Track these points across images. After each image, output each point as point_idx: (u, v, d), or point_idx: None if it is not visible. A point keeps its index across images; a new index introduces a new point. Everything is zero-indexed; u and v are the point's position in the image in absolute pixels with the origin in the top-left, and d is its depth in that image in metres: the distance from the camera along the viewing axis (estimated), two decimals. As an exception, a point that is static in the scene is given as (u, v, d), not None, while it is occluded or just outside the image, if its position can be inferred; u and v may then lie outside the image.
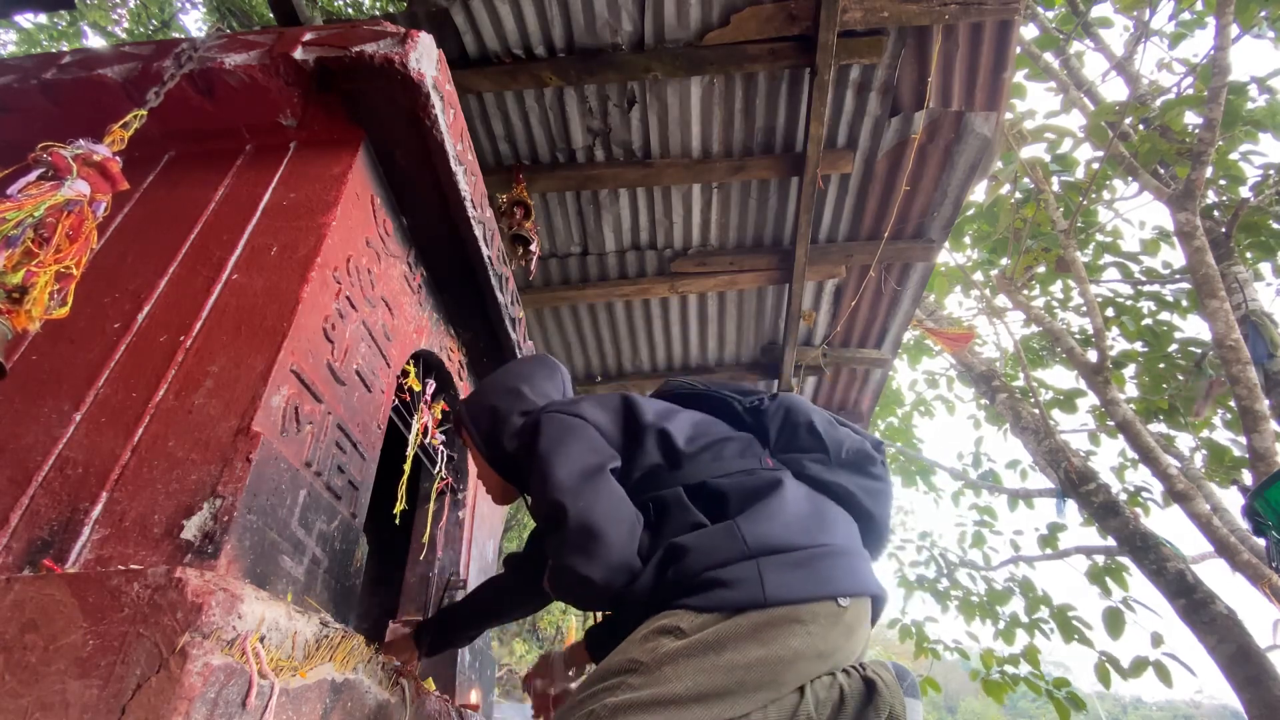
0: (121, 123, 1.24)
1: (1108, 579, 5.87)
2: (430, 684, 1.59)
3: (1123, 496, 6.15)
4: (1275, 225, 5.34)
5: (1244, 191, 5.40)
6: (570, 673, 1.36)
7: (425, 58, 1.50)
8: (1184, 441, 6.42)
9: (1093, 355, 5.48)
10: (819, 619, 0.97)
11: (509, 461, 1.30)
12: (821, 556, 1.02)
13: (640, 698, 0.89)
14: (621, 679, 0.93)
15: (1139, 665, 5.19)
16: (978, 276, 7.17)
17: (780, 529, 1.04)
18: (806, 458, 1.19)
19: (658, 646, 0.94)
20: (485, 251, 1.95)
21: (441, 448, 2.24)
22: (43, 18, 7.92)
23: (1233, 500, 5.41)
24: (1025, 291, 6.42)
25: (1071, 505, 5.67)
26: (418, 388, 1.99)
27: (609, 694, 0.92)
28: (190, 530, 1.00)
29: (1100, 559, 6.11)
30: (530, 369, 1.42)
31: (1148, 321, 6.16)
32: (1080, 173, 6.13)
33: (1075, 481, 5.27)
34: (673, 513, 1.11)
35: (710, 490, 1.12)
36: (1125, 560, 5.63)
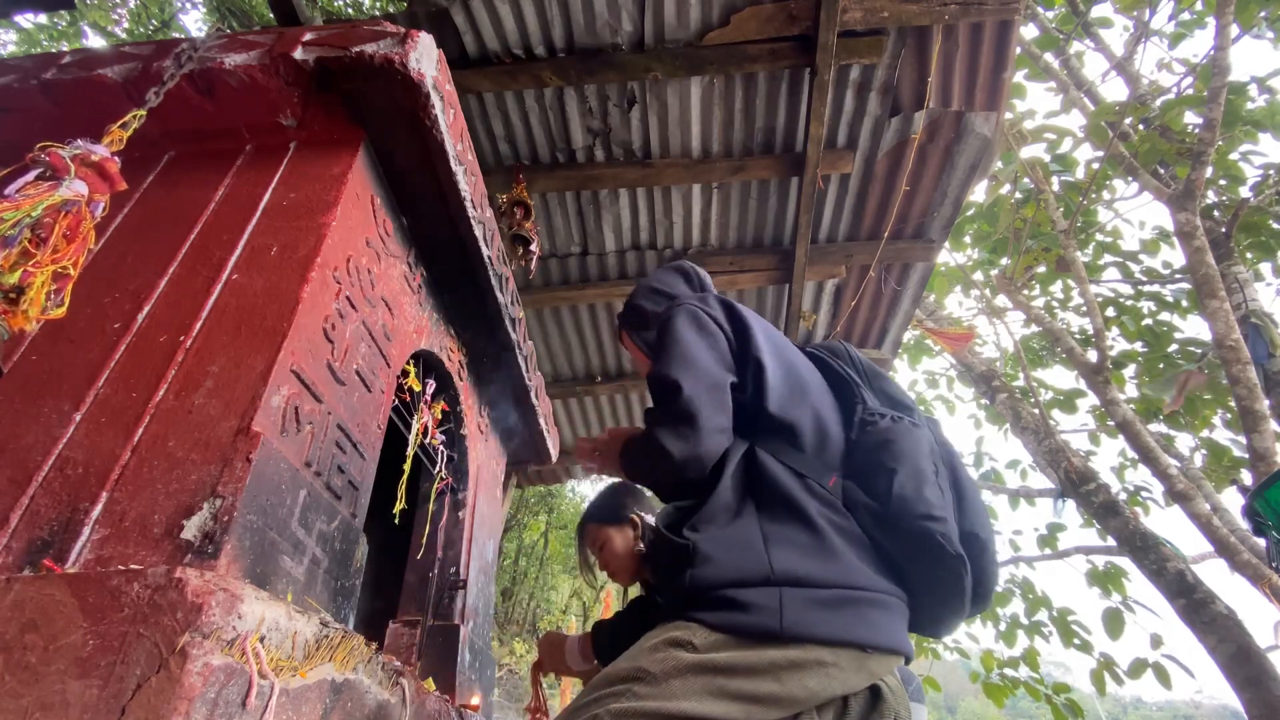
0: (121, 123, 1.24)
1: (1108, 584, 5.87)
2: (430, 684, 1.59)
3: (1123, 496, 6.15)
4: (1275, 225, 5.34)
5: (1244, 191, 5.40)
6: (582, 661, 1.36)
7: (425, 58, 1.50)
8: (1184, 441, 6.42)
9: (1093, 355, 5.49)
10: (841, 664, 0.92)
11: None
12: (853, 600, 0.95)
13: (644, 708, 0.87)
14: (627, 686, 0.91)
15: (1139, 667, 5.19)
16: (978, 276, 7.17)
17: (813, 560, 0.97)
18: (863, 501, 1.05)
19: (667, 658, 0.92)
20: (485, 251, 1.95)
21: (441, 448, 2.24)
22: (43, 18, 7.93)
23: (1233, 500, 5.42)
24: (1025, 291, 6.42)
25: (1070, 505, 5.66)
26: (418, 388, 1.99)
27: (613, 699, 0.90)
28: (190, 530, 1.00)
29: (1100, 562, 6.11)
30: (664, 271, 1.48)
31: (1148, 321, 6.16)
32: (1080, 173, 6.14)
33: (1075, 481, 5.27)
34: (720, 463, 1.07)
35: (758, 469, 1.06)
36: (1124, 564, 5.63)
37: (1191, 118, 5.33)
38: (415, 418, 1.98)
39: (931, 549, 0.99)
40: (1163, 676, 5.10)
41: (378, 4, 6.73)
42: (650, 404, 1.15)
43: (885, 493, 1.03)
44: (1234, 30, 4.70)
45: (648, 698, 0.88)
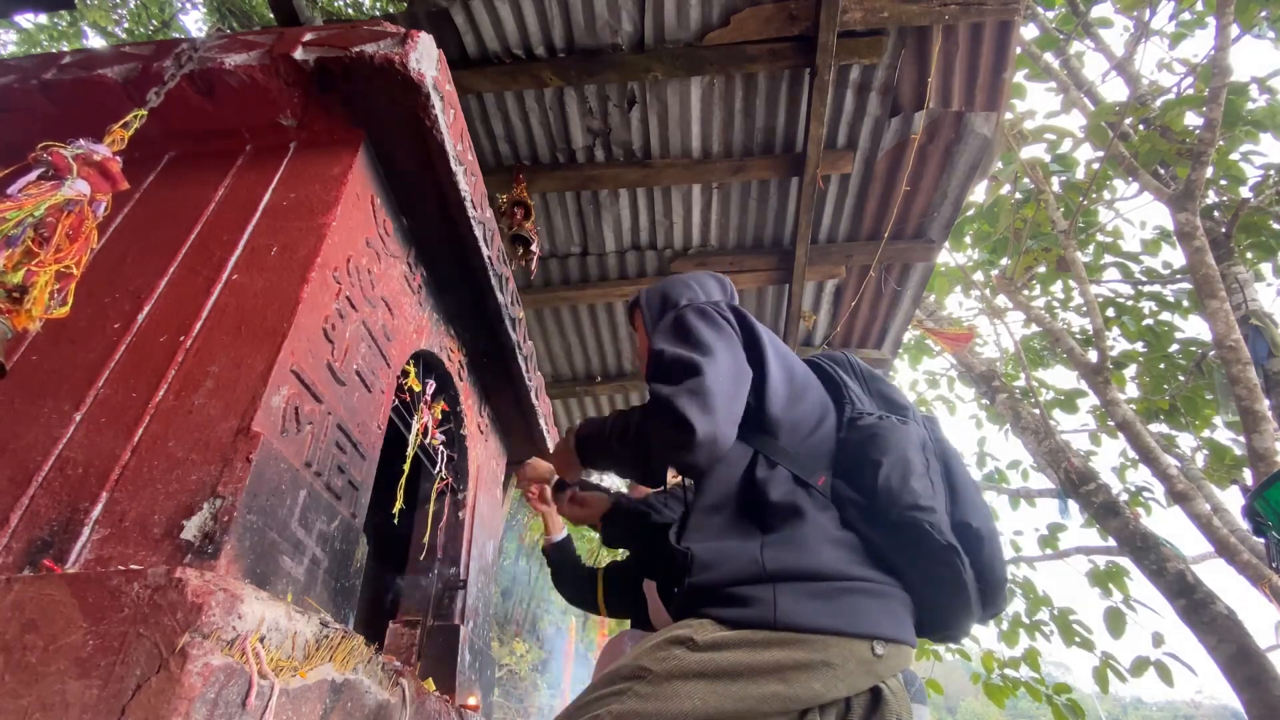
0: (122, 123, 1.24)
1: (1109, 582, 5.86)
2: (430, 684, 1.59)
3: (1123, 497, 6.14)
4: (1275, 225, 5.34)
5: (1244, 191, 5.39)
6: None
7: (425, 58, 1.50)
8: (1185, 441, 6.42)
9: (1093, 355, 5.48)
10: (848, 664, 0.91)
11: None
12: (848, 591, 0.95)
13: (644, 709, 0.87)
14: (629, 685, 0.91)
15: (1140, 665, 5.18)
16: (978, 276, 7.17)
17: (806, 556, 0.97)
18: (850, 498, 1.04)
19: (669, 657, 0.92)
20: (485, 251, 1.95)
21: (441, 448, 2.24)
22: (43, 18, 7.93)
23: (1233, 500, 5.41)
24: (1025, 291, 6.42)
25: (1074, 506, 5.66)
26: (418, 388, 1.99)
27: (614, 699, 0.90)
28: (190, 530, 1.00)
29: (1101, 561, 6.11)
30: (701, 275, 1.42)
31: (1148, 322, 6.15)
32: (1080, 173, 6.13)
33: (1076, 482, 5.27)
34: (729, 462, 1.07)
35: (750, 468, 1.06)
36: (1125, 564, 5.63)
37: (1192, 118, 5.33)
38: (415, 418, 1.98)
39: (920, 539, 0.97)
40: (1165, 674, 5.09)
41: (378, 4, 6.73)
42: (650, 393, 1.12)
43: (871, 485, 1.02)
44: (1234, 30, 4.70)
45: (649, 698, 0.88)
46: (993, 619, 1.14)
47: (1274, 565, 3.64)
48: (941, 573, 0.98)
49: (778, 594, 0.93)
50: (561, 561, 1.83)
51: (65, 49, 3.33)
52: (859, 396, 1.19)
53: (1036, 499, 7.60)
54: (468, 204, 1.77)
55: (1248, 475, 4.86)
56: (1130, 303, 6.32)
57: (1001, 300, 6.53)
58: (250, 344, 1.22)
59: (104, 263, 1.37)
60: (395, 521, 1.98)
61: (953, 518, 1.04)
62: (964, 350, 6.41)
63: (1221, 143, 5.10)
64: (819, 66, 2.67)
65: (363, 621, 2.34)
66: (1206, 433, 6.03)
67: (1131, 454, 6.46)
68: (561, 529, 1.83)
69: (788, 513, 1.01)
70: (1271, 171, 5.28)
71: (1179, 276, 6.06)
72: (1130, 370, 6.33)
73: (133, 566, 0.95)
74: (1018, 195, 6.22)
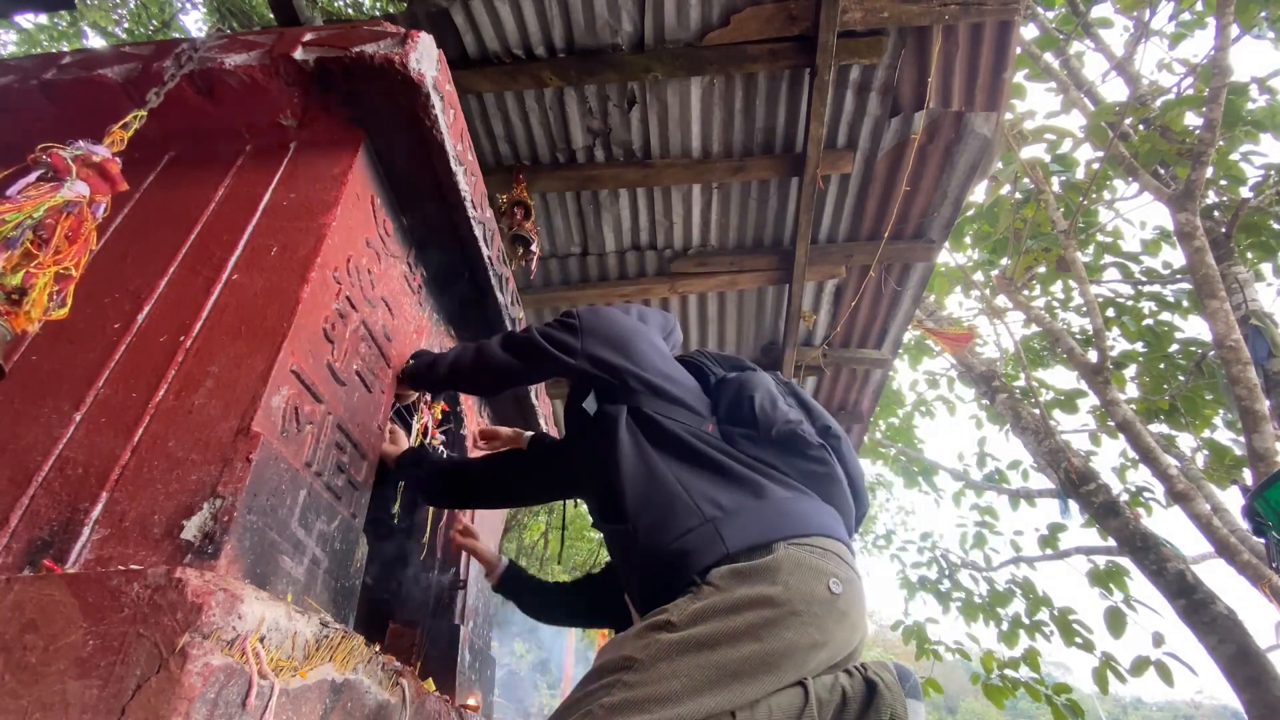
0: (121, 123, 1.24)
1: (1109, 582, 5.86)
2: (430, 684, 1.59)
3: (1123, 497, 6.14)
4: (1275, 225, 5.34)
5: (1244, 191, 5.39)
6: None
7: (425, 58, 1.50)
8: (1185, 441, 6.41)
9: (1093, 355, 5.48)
10: (813, 608, 0.98)
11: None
12: (772, 505, 1.09)
13: (635, 696, 0.89)
14: (617, 677, 0.93)
15: (1140, 665, 5.18)
16: (978, 276, 7.16)
17: (727, 491, 1.11)
18: (738, 431, 1.24)
19: (651, 642, 0.95)
20: (485, 251, 1.95)
21: (442, 448, 2.24)
22: (43, 18, 7.93)
23: (1233, 500, 5.41)
24: (1025, 292, 6.42)
25: (1074, 506, 5.66)
26: (418, 388, 1.99)
27: (604, 693, 0.92)
28: (190, 530, 1.00)
29: (1101, 561, 6.11)
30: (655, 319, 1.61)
31: (1148, 322, 6.15)
32: (1080, 173, 6.13)
33: (1076, 482, 5.27)
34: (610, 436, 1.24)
35: (652, 429, 1.23)
36: (1125, 563, 5.63)
37: (1192, 118, 5.32)
38: (415, 418, 1.98)
39: (799, 445, 1.20)
40: (1165, 674, 5.10)
41: (378, 4, 6.73)
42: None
43: (750, 415, 1.24)
44: (1234, 30, 4.70)
45: (638, 685, 0.91)
46: (863, 517, 1.35)
47: (1274, 565, 3.64)
48: (819, 470, 1.20)
49: (720, 528, 1.05)
50: (518, 589, 1.80)
51: (65, 49, 3.32)
52: (717, 371, 1.43)
53: (1036, 499, 7.60)
54: (468, 204, 1.77)
55: (1248, 475, 4.85)
56: (1130, 303, 6.32)
57: (1001, 300, 6.53)
58: (250, 344, 1.22)
59: (104, 263, 1.37)
60: (395, 521, 1.98)
61: (815, 426, 1.26)
62: (964, 350, 6.41)
63: (1221, 143, 5.10)
64: (819, 66, 2.67)
65: (363, 621, 2.34)
66: (1206, 433, 6.03)
67: (1131, 454, 6.45)
68: (497, 560, 1.84)
69: (696, 459, 1.18)
70: (1271, 171, 5.28)
71: (1179, 276, 6.06)
72: (1130, 370, 6.33)
73: (133, 566, 0.95)
74: (1018, 195, 6.21)
